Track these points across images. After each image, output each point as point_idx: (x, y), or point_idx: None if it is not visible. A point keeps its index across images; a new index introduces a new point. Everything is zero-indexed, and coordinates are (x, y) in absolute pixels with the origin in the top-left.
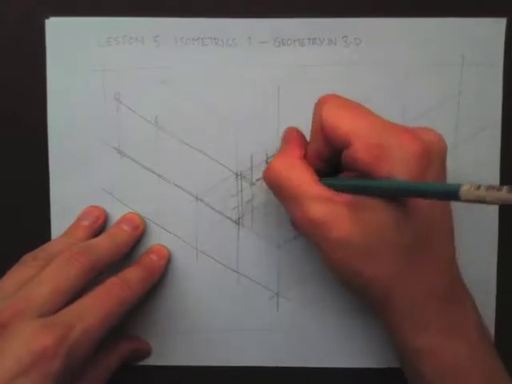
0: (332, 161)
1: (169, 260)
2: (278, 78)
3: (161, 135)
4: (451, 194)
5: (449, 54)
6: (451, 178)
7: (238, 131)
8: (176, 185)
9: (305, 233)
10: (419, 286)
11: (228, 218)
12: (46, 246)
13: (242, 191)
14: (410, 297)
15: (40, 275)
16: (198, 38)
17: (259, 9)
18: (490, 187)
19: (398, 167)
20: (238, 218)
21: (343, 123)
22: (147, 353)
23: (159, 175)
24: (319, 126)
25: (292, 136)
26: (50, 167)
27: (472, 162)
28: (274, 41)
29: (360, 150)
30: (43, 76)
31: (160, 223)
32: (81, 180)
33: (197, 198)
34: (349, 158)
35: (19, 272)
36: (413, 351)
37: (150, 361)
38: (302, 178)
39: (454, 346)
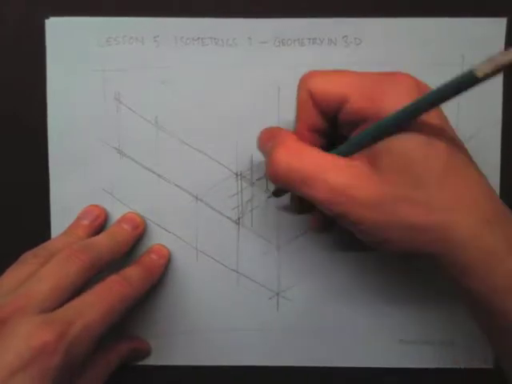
0: (325, 133)
1: (169, 260)
2: (278, 78)
3: (161, 135)
4: (467, 80)
5: (449, 54)
6: None
7: (238, 131)
8: (176, 185)
9: (333, 209)
10: (473, 213)
11: (228, 218)
12: (46, 244)
13: (241, 191)
14: (468, 226)
15: (40, 272)
16: (198, 38)
17: (259, 9)
18: (499, 54)
19: (399, 99)
20: (238, 218)
21: (334, 85)
22: (147, 353)
23: (159, 175)
24: (307, 99)
25: (273, 130)
26: (50, 167)
27: None
28: (274, 41)
29: (357, 100)
30: (43, 76)
31: (160, 223)
32: (81, 180)
33: (197, 198)
34: (348, 113)
35: (19, 269)
36: (497, 289)
37: (150, 361)
38: (311, 156)
39: None
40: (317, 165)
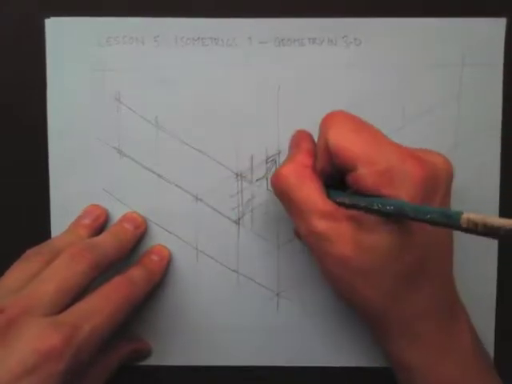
0: (335, 176)
1: (169, 260)
2: (278, 78)
3: (161, 135)
4: (451, 221)
5: (449, 54)
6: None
7: (238, 131)
8: (176, 185)
9: (308, 244)
10: (414, 308)
11: (228, 218)
12: (49, 242)
13: (242, 191)
14: (404, 317)
15: (45, 272)
16: (198, 38)
17: (259, 9)
18: (496, 218)
19: (403, 193)
20: (238, 218)
21: (349, 148)
22: (148, 353)
23: (159, 175)
24: (324, 146)
25: (303, 140)
26: (50, 167)
27: (472, 162)
28: (273, 41)
29: (365, 177)
30: (43, 76)
31: (160, 223)
32: (81, 180)
33: (197, 198)
34: (353, 181)
35: (22, 268)
36: (407, 369)
37: (150, 361)
38: (310, 190)
39: (448, 364)
40: (307, 200)
